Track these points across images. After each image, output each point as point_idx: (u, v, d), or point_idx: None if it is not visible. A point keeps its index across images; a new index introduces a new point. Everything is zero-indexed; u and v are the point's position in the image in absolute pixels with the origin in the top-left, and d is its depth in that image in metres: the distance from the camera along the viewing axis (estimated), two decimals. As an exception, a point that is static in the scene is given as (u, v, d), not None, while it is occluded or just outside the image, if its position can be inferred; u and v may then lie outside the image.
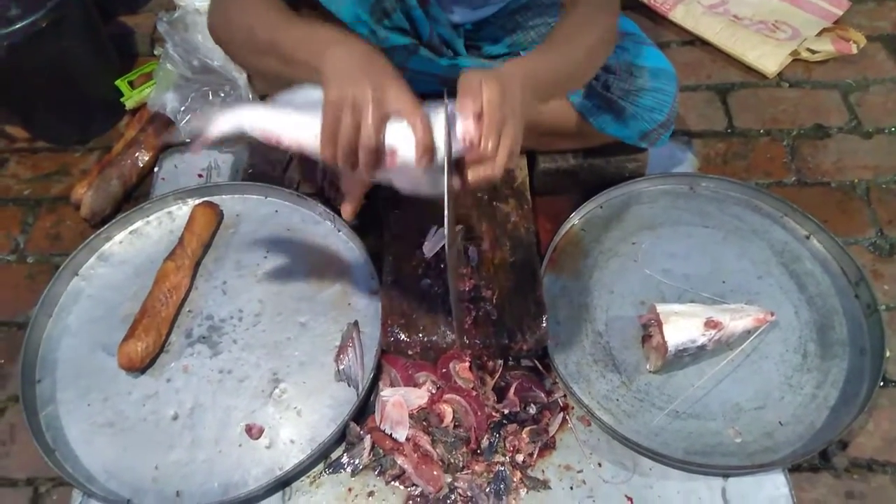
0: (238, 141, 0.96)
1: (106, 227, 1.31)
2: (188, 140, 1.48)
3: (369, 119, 0.73)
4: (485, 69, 0.81)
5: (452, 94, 0.78)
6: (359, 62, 0.76)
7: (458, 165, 0.78)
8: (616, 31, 1.01)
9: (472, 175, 0.77)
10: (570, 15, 0.98)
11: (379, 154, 0.75)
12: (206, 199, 1.34)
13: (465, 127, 0.75)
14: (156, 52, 1.66)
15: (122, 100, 1.54)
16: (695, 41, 1.66)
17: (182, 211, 1.35)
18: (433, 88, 1.19)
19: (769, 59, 1.57)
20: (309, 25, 0.85)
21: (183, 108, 1.47)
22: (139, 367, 1.13)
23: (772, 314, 1.12)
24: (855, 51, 1.59)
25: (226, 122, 0.86)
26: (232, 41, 0.96)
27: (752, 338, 1.12)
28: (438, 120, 0.76)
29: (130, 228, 1.34)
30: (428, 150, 0.74)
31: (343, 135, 0.74)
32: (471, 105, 0.74)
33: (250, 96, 1.48)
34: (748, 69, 1.59)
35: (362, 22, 0.96)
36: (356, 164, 0.76)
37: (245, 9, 0.90)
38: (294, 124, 0.81)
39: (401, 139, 0.75)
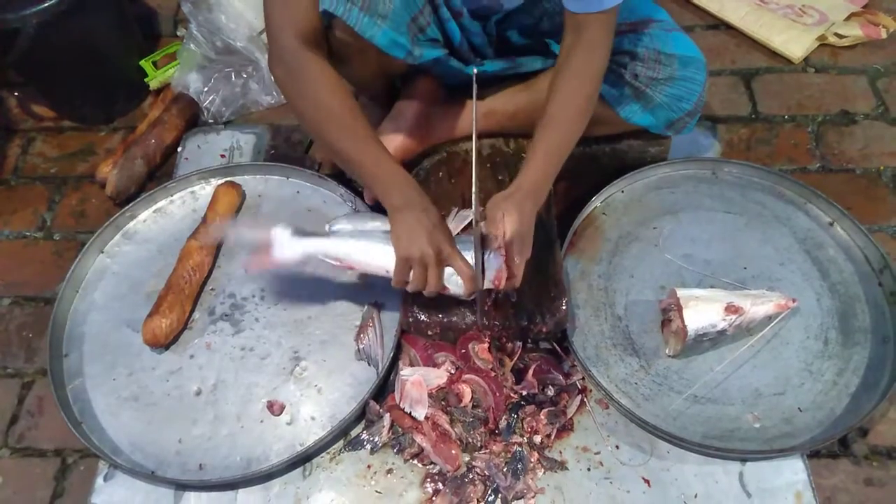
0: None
1: (130, 205, 1.33)
2: (211, 121, 1.50)
3: (434, 279, 0.99)
4: (505, 198, 0.99)
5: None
6: (423, 225, 0.98)
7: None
8: (605, 69, 1.06)
9: (503, 289, 1.02)
10: (564, 81, 1.03)
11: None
12: (228, 179, 1.35)
13: (496, 274, 0.99)
14: (179, 33, 1.68)
15: (146, 80, 1.56)
16: (719, 25, 1.64)
17: (205, 190, 1.37)
18: (456, 81, 1.21)
19: (795, 43, 1.55)
20: (376, 154, 1.01)
21: (206, 89, 1.49)
22: (163, 344, 1.15)
23: (793, 300, 1.12)
24: (884, 35, 1.56)
25: (295, 251, 1.05)
26: (301, 116, 1.07)
27: (772, 324, 1.12)
28: (470, 252, 1.01)
29: (154, 207, 1.35)
30: (473, 289, 1.01)
31: (413, 284, 1.00)
32: (497, 241, 0.98)
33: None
34: (773, 54, 1.57)
35: (399, 45, 1.00)
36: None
37: (319, 100, 1.00)
38: (365, 259, 1.05)
39: (452, 281, 1.01)
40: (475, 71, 0.91)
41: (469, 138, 1.26)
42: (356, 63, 1.08)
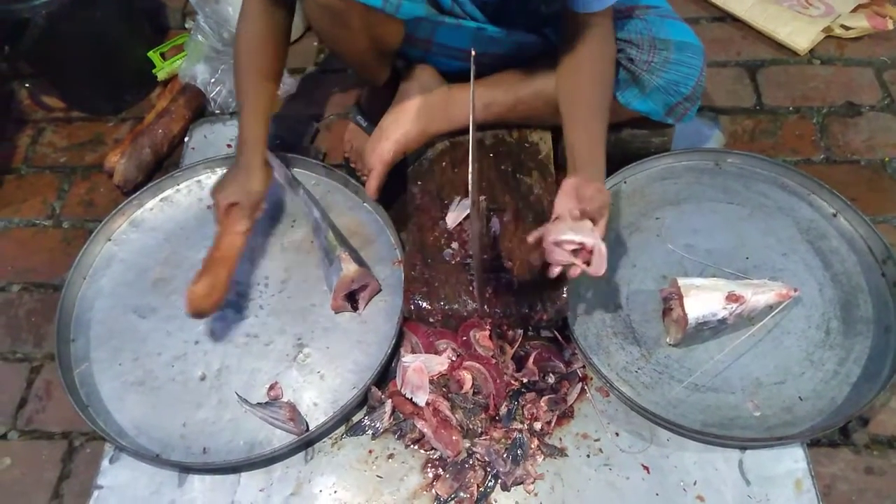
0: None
1: (138, 194, 1.35)
2: (218, 112, 1.51)
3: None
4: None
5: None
6: (233, 179, 1.15)
7: None
8: (615, 55, 1.13)
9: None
10: (591, 68, 1.09)
11: None
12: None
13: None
14: (187, 25, 1.69)
15: (153, 71, 1.57)
16: (725, 17, 1.64)
17: (211, 180, 1.38)
18: (457, 66, 1.21)
19: (801, 35, 1.55)
20: (246, 113, 1.15)
21: (213, 80, 1.50)
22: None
23: (795, 290, 1.11)
24: (891, 27, 1.56)
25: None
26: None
27: (774, 313, 1.12)
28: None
29: (161, 196, 1.37)
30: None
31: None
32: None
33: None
34: (779, 46, 1.57)
35: None
36: None
37: (239, 42, 1.15)
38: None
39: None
40: (474, 53, 0.92)
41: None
42: (342, 37, 1.05)
